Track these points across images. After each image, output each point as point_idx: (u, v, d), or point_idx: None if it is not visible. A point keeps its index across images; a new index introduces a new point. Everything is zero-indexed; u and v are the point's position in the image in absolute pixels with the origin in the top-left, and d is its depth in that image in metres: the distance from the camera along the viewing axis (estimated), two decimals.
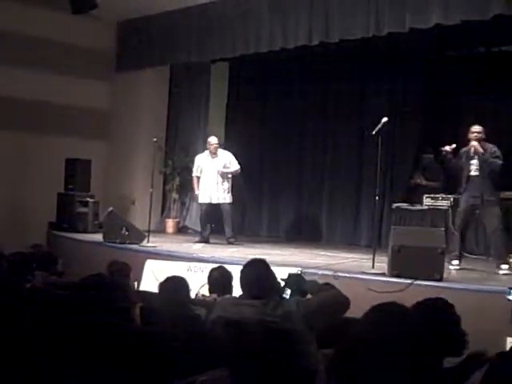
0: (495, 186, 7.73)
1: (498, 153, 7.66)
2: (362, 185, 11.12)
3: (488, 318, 5.57)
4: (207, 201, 9.94)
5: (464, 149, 7.85)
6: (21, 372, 2.87)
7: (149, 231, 9.33)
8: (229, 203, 10.00)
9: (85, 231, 10.41)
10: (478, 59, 10.83)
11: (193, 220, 12.26)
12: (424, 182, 10.30)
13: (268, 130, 12.44)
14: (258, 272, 3.80)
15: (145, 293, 5.85)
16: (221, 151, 10.11)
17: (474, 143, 7.67)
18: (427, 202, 9.67)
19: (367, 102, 11.32)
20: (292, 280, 4.03)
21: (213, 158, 10.01)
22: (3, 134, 10.70)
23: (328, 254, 8.93)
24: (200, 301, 4.83)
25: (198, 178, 10.08)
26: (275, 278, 3.93)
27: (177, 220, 12.16)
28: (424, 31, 8.41)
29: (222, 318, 3.54)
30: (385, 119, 7.41)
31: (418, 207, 9.75)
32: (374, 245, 7.60)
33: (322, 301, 3.74)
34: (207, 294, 5.33)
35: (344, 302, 3.78)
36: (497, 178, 7.70)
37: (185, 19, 10.80)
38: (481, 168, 7.64)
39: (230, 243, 9.78)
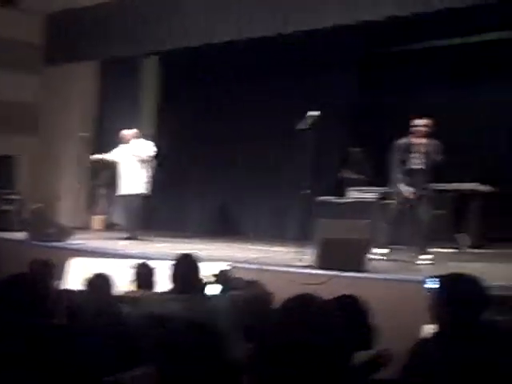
0: (432, 180, 7.83)
1: (440, 148, 7.69)
2: (289, 178, 11.22)
3: (408, 306, 5.73)
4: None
5: (404, 140, 7.83)
6: None
7: (75, 228, 9.19)
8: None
9: (9, 229, 10.17)
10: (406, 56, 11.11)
11: (120, 216, 12.12)
12: (353, 176, 10.45)
13: (198, 123, 12.39)
14: (185, 267, 3.81)
15: (70, 291, 5.75)
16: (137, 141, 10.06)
17: (415, 138, 7.69)
18: (352, 194, 9.87)
19: (296, 98, 11.41)
20: (221, 277, 4.06)
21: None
22: None
23: (256, 247, 8.99)
24: (126, 297, 4.79)
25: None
26: (201, 273, 3.95)
27: (104, 216, 11.99)
28: (353, 28, 8.55)
29: (148, 314, 3.53)
30: (312, 113, 7.49)
31: (344, 200, 9.94)
32: (300, 238, 7.69)
33: (248, 297, 3.78)
34: (135, 289, 5.30)
35: (269, 298, 3.83)
36: (435, 172, 7.80)
37: (116, 13, 10.66)
38: (423, 162, 7.69)
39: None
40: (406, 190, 7.80)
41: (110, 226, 11.92)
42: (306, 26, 8.64)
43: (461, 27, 9.98)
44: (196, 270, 3.87)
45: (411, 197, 7.78)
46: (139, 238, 9.76)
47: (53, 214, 10.25)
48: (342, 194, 10.23)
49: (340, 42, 10.30)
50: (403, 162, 7.81)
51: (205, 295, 3.68)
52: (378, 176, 10.06)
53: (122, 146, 10.02)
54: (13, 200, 10.52)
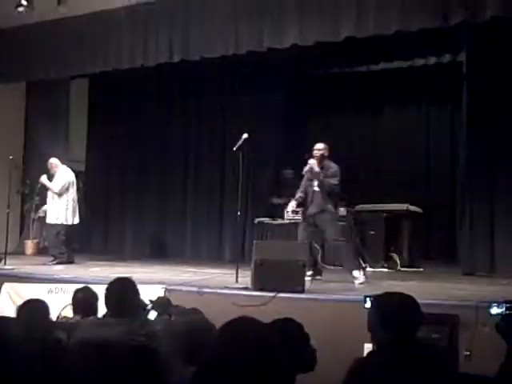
0: (333, 202, 7.90)
1: (335, 172, 7.82)
2: (225, 200, 11.27)
3: (347, 325, 5.80)
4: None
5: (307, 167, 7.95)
6: None
7: (5, 253, 8.94)
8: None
9: None
10: (334, 78, 11.41)
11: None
12: (281, 201, 10.49)
13: (130, 146, 12.31)
14: (122, 290, 3.74)
15: (1, 318, 5.59)
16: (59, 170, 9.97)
17: (312, 161, 7.85)
18: (288, 216, 9.94)
19: (230, 118, 11.50)
20: (158, 303, 4.01)
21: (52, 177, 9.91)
22: None
23: (193, 270, 8.94)
24: (62, 323, 4.69)
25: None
26: (139, 297, 3.90)
27: (36, 241, 11.72)
28: (283, 51, 8.68)
29: (85, 340, 3.45)
30: (245, 135, 7.53)
31: (280, 221, 10.02)
32: (237, 259, 7.70)
33: (188, 324, 3.72)
34: (70, 315, 5.19)
35: (208, 325, 3.79)
36: (336, 195, 7.90)
37: (41, 34, 10.46)
38: (320, 185, 7.82)
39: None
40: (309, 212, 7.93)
41: (42, 251, 11.65)
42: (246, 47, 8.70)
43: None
44: (133, 293, 3.81)
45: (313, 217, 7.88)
46: (74, 261, 9.63)
47: None
48: (276, 215, 10.30)
49: (271, 63, 10.46)
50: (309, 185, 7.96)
51: (144, 319, 3.62)
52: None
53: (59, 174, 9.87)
54: None
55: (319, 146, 7.99)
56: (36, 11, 9.06)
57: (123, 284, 3.86)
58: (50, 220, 9.78)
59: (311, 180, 7.94)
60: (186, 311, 4.01)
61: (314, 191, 7.91)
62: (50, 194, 9.83)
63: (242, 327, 1.92)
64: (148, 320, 3.68)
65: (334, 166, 7.91)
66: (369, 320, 3.21)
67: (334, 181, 7.81)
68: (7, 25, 10.60)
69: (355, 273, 7.65)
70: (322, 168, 7.86)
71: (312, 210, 7.90)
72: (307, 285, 6.74)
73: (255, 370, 1.80)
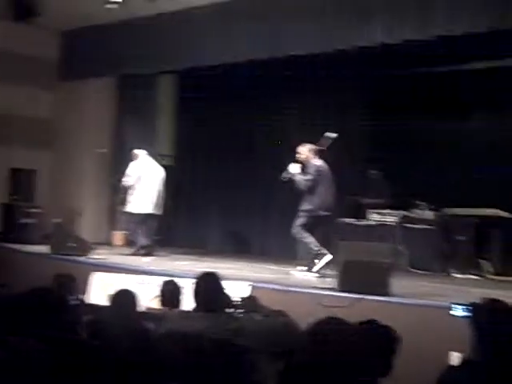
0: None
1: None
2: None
3: (433, 331, 5.66)
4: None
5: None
6: None
7: (96, 243, 9.21)
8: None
9: (30, 242, 10.20)
10: (423, 77, 11.12)
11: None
12: (372, 201, 10.37)
13: (217, 141, 12.43)
14: (209, 285, 3.78)
15: (92, 306, 5.75)
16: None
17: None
18: (374, 217, 9.82)
19: (311, 119, 11.42)
20: (245, 300, 4.02)
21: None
22: None
23: (278, 268, 8.94)
24: (150, 314, 4.77)
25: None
26: (225, 292, 3.91)
27: (126, 232, 12.01)
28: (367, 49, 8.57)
29: (172, 332, 3.50)
30: (332, 135, 7.49)
31: (365, 222, 9.89)
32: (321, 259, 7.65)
33: (273, 324, 3.71)
34: (156, 307, 5.28)
35: (294, 331, 3.77)
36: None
37: (133, 30, 10.71)
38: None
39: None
40: None
41: (130, 242, 11.93)
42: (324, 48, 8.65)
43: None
44: (220, 288, 3.83)
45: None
46: (154, 254, 9.85)
47: (74, 229, 10.28)
48: (361, 216, 10.18)
49: (359, 61, 10.35)
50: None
51: (231, 315, 3.63)
52: (398, 199, 10.05)
53: (132, 165, 10.06)
54: (33, 214, 10.56)
55: (299, 148, 8.36)
56: (127, 8, 9.27)
57: (209, 279, 3.89)
58: (129, 209, 9.96)
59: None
60: (272, 312, 4.00)
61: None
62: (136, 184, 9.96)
63: (332, 328, 1.90)
64: (235, 316, 3.68)
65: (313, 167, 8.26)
66: (469, 328, 3.07)
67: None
68: (101, 21, 10.92)
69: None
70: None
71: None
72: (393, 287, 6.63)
73: (343, 370, 1.78)
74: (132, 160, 10.11)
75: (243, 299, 4.05)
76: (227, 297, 3.95)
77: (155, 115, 12.43)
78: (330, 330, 1.92)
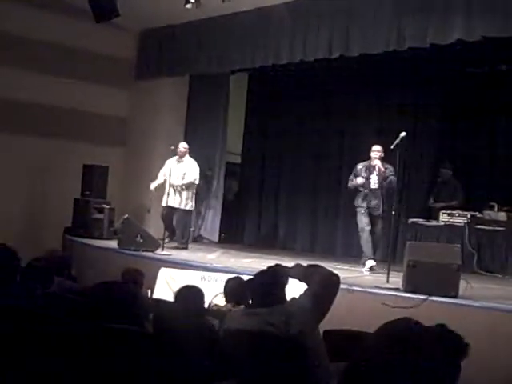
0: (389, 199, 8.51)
1: (393, 171, 8.50)
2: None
3: (504, 336, 5.52)
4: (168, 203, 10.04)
5: (362, 164, 8.85)
6: (35, 374, 2.89)
7: (163, 239, 9.35)
8: (184, 209, 10.08)
9: (100, 237, 10.45)
10: (498, 76, 10.81)
11: (208, 229, 12.30)
12: (438, 205, 10.18)
13: (285, 141, 12.45)
14: (268, 281, 3.73)
15: (158, 301, 5.85)
16: (187, 158, 10.27)
17: (378, 162, 8.61)
18: (443, 218, 9.64)
19: (384, 118, 11.31)
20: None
21: (178, 162, 10.16)
22: (24, 139, 10.81)
23: (343, 267, 8.88)
24: (214, 310, 4.83)
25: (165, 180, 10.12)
26: (285, 289, 3.86)
27: (192, 229, 12.16)
28: (443, 47, 8.40)
29: (236, 328, 3.52)
30: (403, 134, 7.40)
31: (434, 223, 9.73)
32: (389, 259, 7.56)
33: (314, 291, 3.62)
34: (220, 303, 5.33)
35: (334, 282, 3.69)
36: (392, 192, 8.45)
37: (205, 29, 10.82)
38: (380, 183, 8.67)
39: (176, 247, 9.87)
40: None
41: (197, 240, 12.08)
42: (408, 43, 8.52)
43: None
44: (278, 283, 3.77)
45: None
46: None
47: (143, 225, 10.47)
48: (431, 217, 10.01)
49: (429, 61, 10.17)
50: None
51: (282, 307, 3.53)
52: (469, 199, 9.84)
53: (174, 159, 10.23)
54: (104, 209, 10.79)
55: (378, 147, 8.73)
56: (202, 8, 9.36)
57: (271, 275, 3.86)
58: (176, 205, 10.08)
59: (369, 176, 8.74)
60: (305, 271, 3.89)
61: (372, 188, 8.73)
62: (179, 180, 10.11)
63: (403, 329, 1.88)
64: (284, 307, 3.58)
65: (389, 166, 8.59)
66: None
67: (392, 179, 8.54)
68: (176, 21, 11.08)
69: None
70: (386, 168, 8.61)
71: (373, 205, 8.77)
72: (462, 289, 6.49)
73: (410, 373, 1.75)
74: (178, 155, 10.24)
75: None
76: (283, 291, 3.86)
77: (225, 113, 12.52)
78: (400, 330, 1.89)
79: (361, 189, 8.81)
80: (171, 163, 10.13)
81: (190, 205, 10.19)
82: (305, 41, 9.50)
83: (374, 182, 8.74)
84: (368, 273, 8.39)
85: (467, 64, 10.89)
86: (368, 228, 8.74)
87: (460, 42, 8.07)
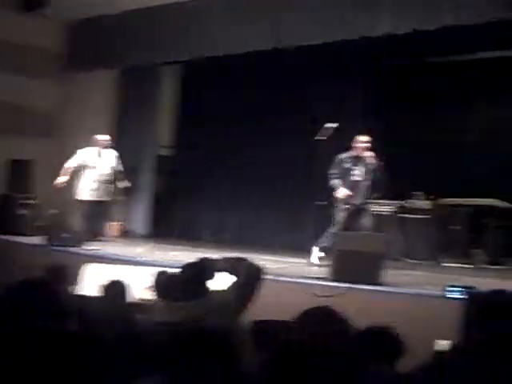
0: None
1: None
2: (307, 190, 11.20)
3: (424, 319, 5.70)
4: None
5: (346, 155, 8.43)
6: None
7: (90, 234, 9.23)
8: (107, 201, 10.24)
9: (25, 234, 10.22)
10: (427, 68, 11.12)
11: (137, 223, 12.21)
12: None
13: (218, 134, 12.42)
14: (191, 273, 3.74)
15: (83, 297, 5.77)
16: (110, 150, 10.31)
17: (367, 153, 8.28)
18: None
19: (317, 108, 11.42)
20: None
21: (101, 154, 10.17)
22: None
23: (270, 258, 8.96)
24: (140, 305, 4.79)
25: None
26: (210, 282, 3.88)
27: (121, 223, 12.03)
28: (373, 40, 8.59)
29: (162, 323, 3.52)
30: (330, 125, 7.51)
31: None
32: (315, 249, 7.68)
33: (239, 283, 3.68)
34: (147, 298, 5.29)
35: (258, 274, 3.76)
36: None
37: (136, 21, 10.69)
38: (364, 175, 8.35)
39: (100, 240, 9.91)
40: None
41: (126, 233, 11.96)
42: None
43: None
44: (203, 276, 3.79)
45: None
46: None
47: (69, 220, 10.30)
48: None
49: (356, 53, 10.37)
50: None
51: (206, 299, 3.58)
52: (394, 189, 10.06)
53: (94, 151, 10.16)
54: (29, 205, 10.57)
55: (363, 138, 8.40)
56: None
57: (196, 268, 3.88)
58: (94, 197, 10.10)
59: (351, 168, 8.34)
60: (228, 262, 3.96)
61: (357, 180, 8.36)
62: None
63: (320, 317, 1.92)
64: (209, 298, 3.63)
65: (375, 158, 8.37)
66: (464, 314, 3.08)
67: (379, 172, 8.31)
68: (103, 12, 10.89)
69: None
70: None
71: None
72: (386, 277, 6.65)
73: (331, 359, 1.80)
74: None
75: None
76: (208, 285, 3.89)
77: (156, 106, 12.40)
78: (317, 318, 1.93)
79: (341, 182, 8.43)
80: (89, 155, 9.98)
81: (113, 196, 10.26)
82: (240, 33, 9.52)
83: (359, 174, 8.44)
84: (316, 262, 8.28)
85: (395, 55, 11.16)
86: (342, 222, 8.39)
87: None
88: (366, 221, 8.46)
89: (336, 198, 8.45)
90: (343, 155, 8.47)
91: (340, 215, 8.38)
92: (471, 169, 10.27)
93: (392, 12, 8.18)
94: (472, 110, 11.21)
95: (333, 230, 8.31)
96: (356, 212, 8.42)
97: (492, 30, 8.70)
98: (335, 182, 8.41)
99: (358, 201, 8.40)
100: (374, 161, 8.31)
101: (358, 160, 8.37)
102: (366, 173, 8.33)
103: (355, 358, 1.86)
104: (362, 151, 8.34)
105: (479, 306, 2.99)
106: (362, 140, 8.40)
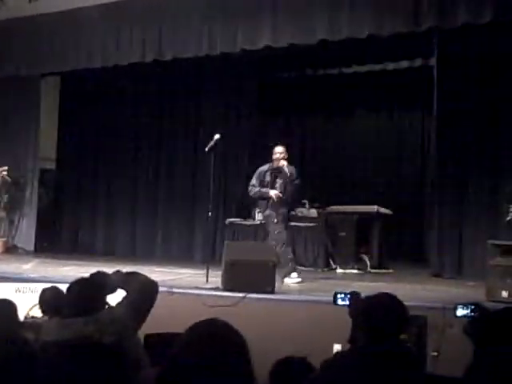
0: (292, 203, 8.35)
1: (297, 174, 8.07)
2: (197, 200, 11.24)
3: (318, 326, 5.83)
4: None
5: (265, 167, 8.16)
6: None
7: None
8: None
9: None
10: (306, 81, 11.50)
11: (22, 239, 11.79)
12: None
13: (102, 146, 12.23)
14: (82, 288, 3.66)
15: None
16: None
17: (284, 162, 7.98)
18: (259, 217, 9.96)
19: (202, 119, 11.49)
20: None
21: None
22: None
23: (163, 269, 8.90)
24: (29, 323, 4.63)
25: None
26: (104, 296, 3.81)
27: (4, 239, 11.59)
28: (255, 52, 8.74)
29: (53, 341, 3.42)
30: (217, 136, 7.56)
31: (251, 222, 10.04)
32: (207, 260, 7.70)
33: (132, 299, 3.64)
34: (38, 315, 5.14)
35: (152, 289, 3.75)
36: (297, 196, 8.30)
37: (12, 30, 10.35)
38: (285, 187, 8.01)
39: None
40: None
41: (10, 250, 11.53)
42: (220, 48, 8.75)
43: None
44: (95, 291, 3.71)
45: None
46: None
47: None
48: (248, 216, 10.32)
49: (241, 65, 10.54)
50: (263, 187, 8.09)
51: (97, 315, 3.50)
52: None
53: None
54: None
55: (281, 149, 8.09)
56: (7, 8, 8.96)
57: (87, 283, 3.80)
58: None
59: (274, 180, 8.05)
60: (125, 278, 3.90)
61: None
62: None
63: (209, 328, 1.93)
64: (100, 314, 3.56)
65: (293, 168, 8.07)
66: (352, 318, 3.18)
67: (298, 182, 8.06)
68: None
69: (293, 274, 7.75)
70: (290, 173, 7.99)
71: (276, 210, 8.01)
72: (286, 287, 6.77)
73: (220, 371, 1.81)
74: None
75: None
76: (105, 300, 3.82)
77: (37, 118, 12.01)
78: (207, 331, 1.94)
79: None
80: None
81: None
82: (118, 44, 9.44)
83: (280, 187, 8.06)
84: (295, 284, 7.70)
85: (277, 68, 11.44)
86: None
87: (269, 47, 8.46)
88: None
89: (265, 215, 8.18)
90: (265, 167, 8.19)
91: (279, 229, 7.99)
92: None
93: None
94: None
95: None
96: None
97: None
98: (257, 190, 8.09)
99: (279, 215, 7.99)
100: (289, 171, 7.99)
101: (277, 172, 8.05)
102: (284, 185, 8.02)
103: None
104: (279, 162, 8.02)
105: (363, 310, 3.12)
106: (278, 151, 8.09)
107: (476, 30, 8.02)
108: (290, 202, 8.28)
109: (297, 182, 8.06)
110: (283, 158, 8.02)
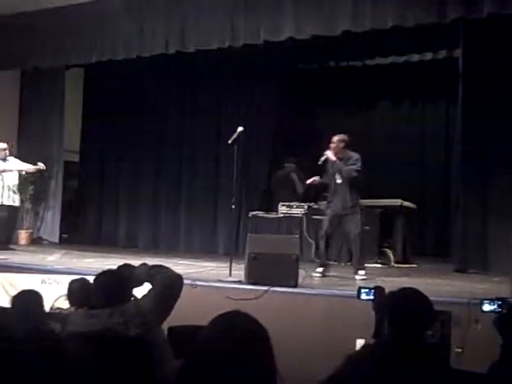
0: (356, 193, 7.81)
1: (355, 161, 7.71)
2: (220, 193, 11.27)
3: (340, 320, 5.81)
4: None
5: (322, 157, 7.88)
6: None
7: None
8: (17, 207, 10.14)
9: None
10: (329, 73, 11.45)
11: (47, 230, 11.91)
12: (283, 192, 10.49)
13: (125, 138, 12.29)
14: (109, 280, 3.68)
15: None
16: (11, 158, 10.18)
17: (327, 152, 7.80)
18: (282, 209, 9.97)
19: (225, 111, 11.50)
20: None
21: (4, 161, 9.99)
22: None
23: (186, 262, 8.93)
24: (55, 314, 4.68)
25: None
26: (130, 288, 3.84)
27: (30, 231, 11.71)
28: (278, 44, 8.71)
29: (78, 331, 3.45)
30: (240, 129, 7.53)
31: (274, 215, 10.03)
32: (230, 253, 7.70)
33: (157, 292, 3.66)
34: (63, 306, 5.19)
35: (177, 283, 3.75)
36: (357, 184, 7.78)
37: (39, 22, 10.41)
38: (341, 176, 7.75)
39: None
40: (332, 206, 7.90)
41: (36, 241, 11.66)
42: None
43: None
44: (121, 283, 3.74)
45: (338, 211, 7.84)
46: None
47: None
48: (271, 209, 10.32)
49: (264, 58, 10.49)
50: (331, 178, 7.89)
51: (122, 306, 3.52)
52: (308, 191, 10.24)
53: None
54: None
55: (334, 137, 7.83)
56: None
57: (114, 275, 3.82)
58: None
59: (333, 173, 7.83)
60: (150, 271, 3.91)
61: (336, 184, 7.82)
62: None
63: (232, 321, 1.93)
64: (125, 306, 3.57)
65: (354, 155, 7.78)
66: (376, 314, 3.16)
67: (354, 167, 7.70)
68: (4, 12, 10.55)
69: (359, 268, 7.68)
70: (341, 159, 7.74)
71: (338, 204, 7.80)
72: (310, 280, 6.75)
73: (242, 363, 1.82)
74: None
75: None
76: (131, 293, 3.84)
77: (62, 110, 12.11)
78: (230, 323, 1.94)
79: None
80: None
81: (20, 204, 10.26)
82: (141, 36, 9.46)
83: (336, 177, 7.80)
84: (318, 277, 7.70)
85: (301, 60, 11.40)
86: (325, 231, 7.92)
87: (292, 39, 8.42)
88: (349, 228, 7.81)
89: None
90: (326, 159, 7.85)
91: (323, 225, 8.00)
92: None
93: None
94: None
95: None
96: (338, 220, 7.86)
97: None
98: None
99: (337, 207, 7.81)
100: (337, 160, 7.74)
101: (333, 162, 7.78)
102: (339, 174, 7.75)
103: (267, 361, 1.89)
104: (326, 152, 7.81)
105: (388, 305, 3.10)
106: (334, 140, 7.81)
107: (502, 21, 7.91)
108: (349, 190, 7.82)
109: (349, 168, 7.70)
110: (336, 147, 7.78)
